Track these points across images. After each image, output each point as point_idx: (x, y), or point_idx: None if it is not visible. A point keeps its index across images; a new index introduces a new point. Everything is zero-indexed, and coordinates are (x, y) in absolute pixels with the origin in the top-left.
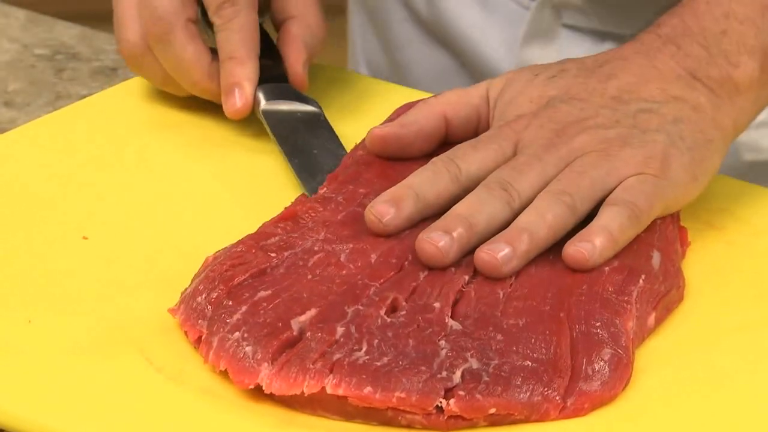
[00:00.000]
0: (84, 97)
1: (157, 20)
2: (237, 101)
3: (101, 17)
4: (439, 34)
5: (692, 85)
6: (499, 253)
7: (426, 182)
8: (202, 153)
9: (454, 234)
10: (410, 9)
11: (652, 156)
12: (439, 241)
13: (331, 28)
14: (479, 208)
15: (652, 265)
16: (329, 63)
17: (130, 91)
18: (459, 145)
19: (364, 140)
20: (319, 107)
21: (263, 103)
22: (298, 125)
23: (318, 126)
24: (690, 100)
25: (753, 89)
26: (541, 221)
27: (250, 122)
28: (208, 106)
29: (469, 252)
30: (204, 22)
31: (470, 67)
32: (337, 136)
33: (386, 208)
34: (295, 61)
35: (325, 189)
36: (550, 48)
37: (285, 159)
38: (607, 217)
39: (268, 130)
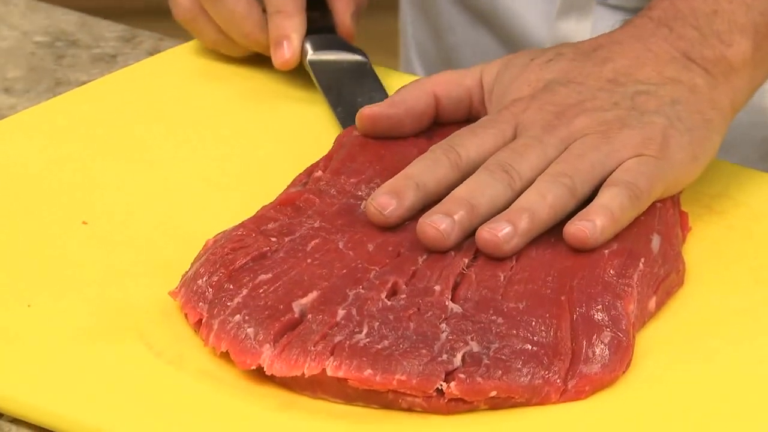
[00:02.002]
0: (84, 83)
1: None
2: (285, 52)
3: (100, 9)
4: (485, 15)
5: (688, 67)
6: (500, 232)
7: (426, 171)
8: (201, 139)
9: (456, 217)
10: None
11: (651, 137)
12: (440, 224)
13: (384, 19)
14: (481, 191)
15: (651, 249)
16: (382, 52)
17: (130, 78)
18: (458, 131)
19: None
20: (366, 57)
21: (310, 54)
22: (343, 74)
23: (364, 75)
24: (686, 81)
25: (747, 67)
26: (541, 201)
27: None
28: (205, 93)
29: (470, 234)
30: None
31: (511, 45)
32: (382, 85)
33: (387, 200)
34: (343, 12)
35: (320, 173)
36: (584, 22)
37: (329, 107)
38: (607, 197)
39: (313, 79)
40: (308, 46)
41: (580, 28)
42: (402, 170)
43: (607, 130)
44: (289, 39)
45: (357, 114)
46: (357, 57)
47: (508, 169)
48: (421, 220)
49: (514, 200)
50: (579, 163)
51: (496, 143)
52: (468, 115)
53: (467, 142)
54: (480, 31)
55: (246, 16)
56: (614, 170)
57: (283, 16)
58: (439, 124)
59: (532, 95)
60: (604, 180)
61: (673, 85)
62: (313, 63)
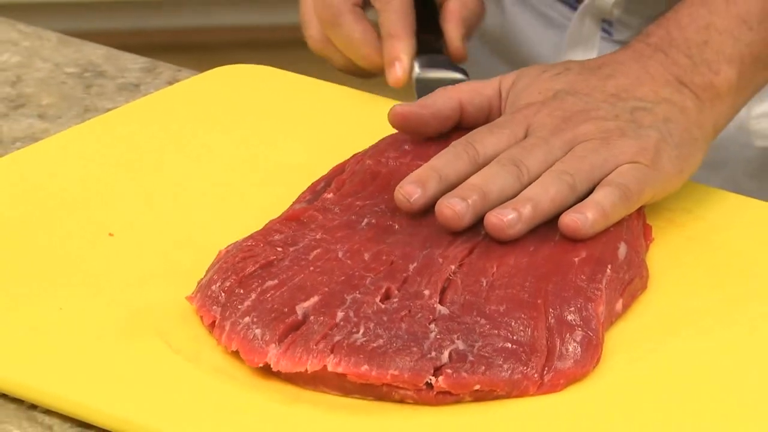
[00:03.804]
0: (110, 110)
1: (328, 8)
2: (397, 71)
3: (124, 44)
4: (502, 48)
5: (680, 90)
6: (506, 217)
7: (448, 164)
8: (215, 158)
9: (469, 201)
10: (482, 30)
11: (646, 148)
12: (456, 206)
13: None
14: (493, 180)
15: (618, 256)
16: None
17: (151, 105)
18: (477, 129)
19: (371, 148)
20: (466, 75)
21: (417, 71)
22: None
23: None
24: (678, 102)
25: (731, 94)
26: (544, 194)
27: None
28: (219, 118)
29: (458, 243)
30: (369, 7)
31: None
32: None
33: (413, 189)
34: (454, 35)
35: (331, 195)
36: (590, 54)
37: None
38: (601, 195)
39: (414, 94)
40: (416, 65)
41: (586, 57)
42: (426, 163)
43: (608, 137)
44: (401, 60)
45: (390, 111)
46: (457, 75)
47: (518, 163)
48: (439, 201)
49: (521, 191)
50: (580, 163)
51: (509, 142)
52: (487, 122)
53: (485, 140)
54: (501, 67)
55: (363, 41)
56: (610, 173)
57: (395, 40)
58: (457, 130)
59: (543, 102)
60: (601, 180)
61: (667, 105)
62: (418, 80)
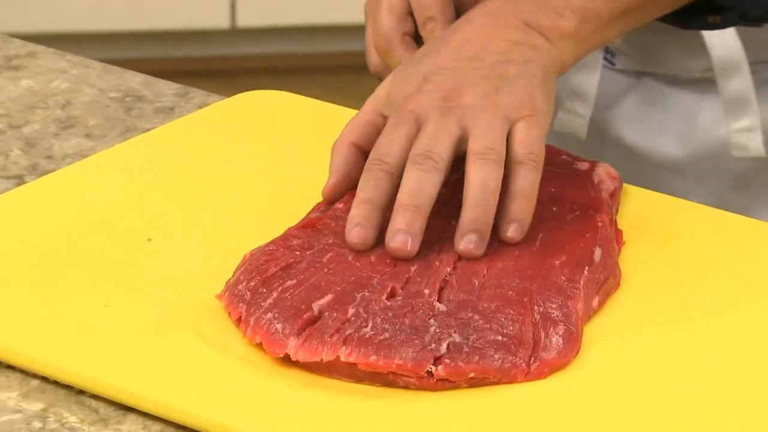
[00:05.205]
0: (148, 130)
1: (381, 37)
2: None
3: (160, 71)
4: None
5: (528, 32)
6: (471, 244)
7: (373, 190)
8: (241, 173)
9: (410, 229)
10: None
11: (522, 99)
12: (399, 241)
13: None
14: (419, 188)
15: (593, 259)
16: None
17: (184, 126)
18: (376, 141)
19: None
20: None
21: None
22: None
23: None
24: (528, 42)
25: (573, 38)
26: (486, 192)
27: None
28: (245, 138)
29: (451, 248)
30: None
31: None
32: None
33: (359, 231)
34: None
35: (342, 205)
36: (592, 77)
37: None
38: (521, 181)
39: None
40: None
41: (589, 80)
42: (355, 198)
43: (491, 102)
44: None
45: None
46: None
47: (430, 155)
48: (385, 241)
49: (443, 179)
50: (493, 135)
51: (409, 139)
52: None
53: (389, 150)
54: None
55: None
56: (510, 130)
57: None
58: None
59: (418, 88)
60: (509, 139)
61: (520, 48)
62: None
